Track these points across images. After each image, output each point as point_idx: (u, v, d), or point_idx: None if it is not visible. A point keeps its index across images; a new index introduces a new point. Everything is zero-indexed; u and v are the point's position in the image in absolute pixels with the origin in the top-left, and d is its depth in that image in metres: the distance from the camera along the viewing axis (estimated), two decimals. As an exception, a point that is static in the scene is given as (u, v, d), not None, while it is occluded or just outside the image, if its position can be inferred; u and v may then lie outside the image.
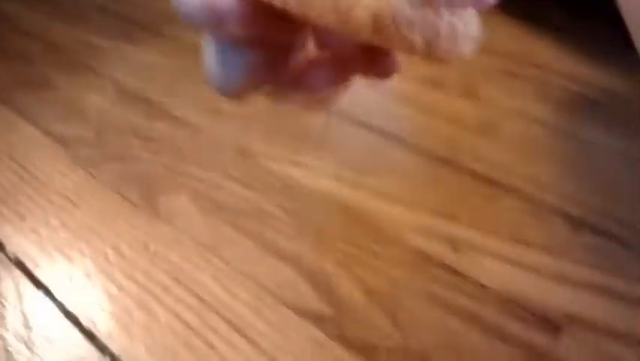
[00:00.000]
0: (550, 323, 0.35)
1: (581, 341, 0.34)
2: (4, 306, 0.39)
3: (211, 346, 0.36)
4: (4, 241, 0.44)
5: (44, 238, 0.44)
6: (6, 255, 0.43)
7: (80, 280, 0.41)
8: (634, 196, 0.42)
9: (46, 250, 0.43)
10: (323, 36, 0.24)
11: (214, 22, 0.20)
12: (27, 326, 0.38)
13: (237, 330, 0.36)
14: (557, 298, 0.36)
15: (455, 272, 0.39)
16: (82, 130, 0.54)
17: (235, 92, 0.22)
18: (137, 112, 0.56)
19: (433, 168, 0.47)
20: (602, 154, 0.46)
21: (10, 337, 0.38)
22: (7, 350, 0.37)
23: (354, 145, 0.50)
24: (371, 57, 0.23)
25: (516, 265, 0.39)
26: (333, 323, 0.36)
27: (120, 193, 0.47)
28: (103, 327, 0.38)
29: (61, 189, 0.48)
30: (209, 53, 0.22)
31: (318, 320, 0.36)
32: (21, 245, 0.44)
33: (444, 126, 0.51)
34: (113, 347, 0.37)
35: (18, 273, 0.42)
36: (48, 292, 0.40)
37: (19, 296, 0.40)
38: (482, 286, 0.38)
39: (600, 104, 0.52)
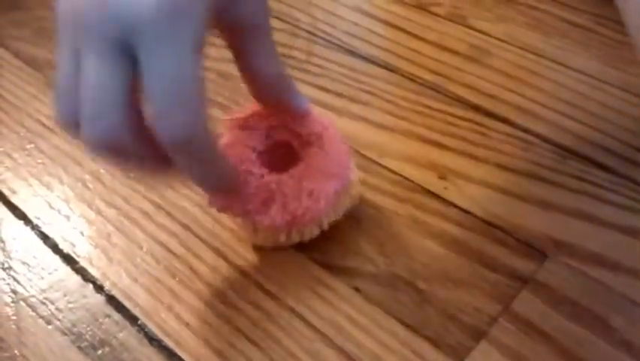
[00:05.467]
0: (536, 250, 0.35)
1: (567, 267, 0.34)
2: (-20, 232, 0.39)
3: (195, 272, 0.35)
4: (-22, 167, 0.43)
5: (20, 163, 0.43)
6: (-20, 180, 0.42)
7: (58, 206, 0.40)
8: (624, 126, 0.42)
9: (23, 176, 0.42)
10: None
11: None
12: (5, 251, 0.38)
13: (222, 256, 0.36)
14: (543, 224, 0.36)
15: (441, 200, 0.38)
16: (54, 53, 0.52)
17: None
18: (113, 35, 0.53)
19: (420, 95, 0.46)
20: (592, 83, 0.46)
21: (-13, 262, 0.37)
22: (-16, 276, 0.36)
23: (337, 71, 0.48)
24: None
25: (503, 192, 0.38)
26: (318, 249, 0.36)
27: (98, 119, 0.46)
28: (82, 252, 0.37)
29: (35, 114, 0.46)
30: None
31: (301, 244, 0.36)
32: (-5, 170, 0.42)
33: (431, 52, 0.50)
34: (93, 272, 0.36)
35: (-7, 199, 0.41)
36: (25, 218, 0.39)
37: (-4, 222, 0.39)
38: (468, 213, 0.37)
39: (592, 31, 0.50)
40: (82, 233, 0.38)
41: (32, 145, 0.44)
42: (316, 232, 0.35)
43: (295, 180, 0.33)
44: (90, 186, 0.41)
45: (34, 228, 0.39)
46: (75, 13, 0.26)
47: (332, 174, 0.33)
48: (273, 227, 0.33)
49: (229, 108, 0.45)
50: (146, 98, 0.26)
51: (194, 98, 0.26)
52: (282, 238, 0.35)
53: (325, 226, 0.35)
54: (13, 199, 0.41)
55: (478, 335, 0.32)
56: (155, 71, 0.25)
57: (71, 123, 0.27)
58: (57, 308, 0.35)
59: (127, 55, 0.26)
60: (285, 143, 0.36)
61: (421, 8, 0.54)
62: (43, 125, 0.45)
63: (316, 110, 0.36)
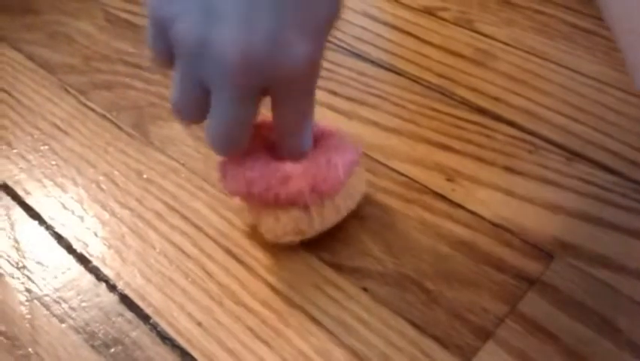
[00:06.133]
0: (543, 252, 0.36)
1: (573, 269, 0.35)
2: (-5, 232, 0.39)
3: (207, 272, 0.36)
4: (-7, 168, 0.43)
5: (34, 165, 0.43)
6: (-5, 181, 0.42)
7: (73, 207, 0.40)
8: (629, 129, 0.42)
9: (37, 177, 0.43)
10: None
11: None
12: (19, 251, 0.38)
13: (233, 257, 0.37)
14: (551, 227, 0.37)
15: (448, 201, 0.39)
16: (68, 56, 0.53)
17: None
18: (126, 39, 0.54)
19: (427, 98, 0.46)
20: (597, 86, 0.46)
21: (2, 261, 0.37)
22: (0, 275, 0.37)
23: (346, 75, 0.49)
24: None
25: (509, 194, 0.39)
26: (327, 249, 0.36)
27: (111, 121, 0.46)
28: (96, 252, 0.38)
29: (49, 116, 0.47)
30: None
31: (312, 246, 0.36)
32: (10, 172, 0.43)
33: (438, 56, 0.50)
34: (107, 272, 0.37)
35: (8, 199, 0.41)
36: (40, 219, 0.40)
37: (11, 223, 0.40)
38: (475, 214, 0.38)
39: (597, 35, 0.51)
40: (95, 234, 0.39)
41: (46, 147, 0.45)
42: (335, 218, 0.36)
43: (312, 156, 0.35)
44: (104, 187, 0.42)
45: (49, 228, 0.39)
46: (205, 50, 0.28)
47: (345, 148, 0.36)
48: (297, 195, 0.34)
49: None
50: (276, 125, 0.34)
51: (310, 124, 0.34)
52: (304, 223, 0.35)
53: (344, 213, 0.36)
54: (28, 200, 0.41)
55: (485, 335, 0.32)
56: (288, 112, 0.33)
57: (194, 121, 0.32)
58: (70, 307, 0.35)
59: (259, 93, 0.30)
60: None
61: (428, 13, 0.55)
62: (57, 127, 0.46)
63: (318, 118, 0.37)
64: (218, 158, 0.36)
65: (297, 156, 0.35)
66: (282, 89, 0.31)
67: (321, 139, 0.36)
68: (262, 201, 0.35)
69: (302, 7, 0.28)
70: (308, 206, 0.35)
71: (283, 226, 0.35)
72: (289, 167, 0.34)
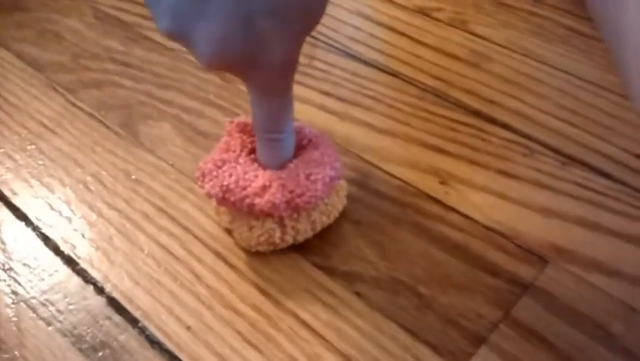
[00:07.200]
0: (537, 256, 0.35)
1: (567, 274, 0.34)
2: (-20, 233, 0.39)
3: (196, 275, 0.35)
4: (-21, 167, 0.42)
5: (21, 165, 0.43)
6: (-19, 181, 0.42)
7: (60, 208, 0.40)
8: (625, 133, 0.42)
9: (24, 177, 0.42)
10: None
11: None
12: (5, 252, 0.38)
13: (223, 259, 0.36)
14: (545, 231, 0.37)
15: (442, 205, 0.38)
16: (57, 54, 0.52)
17: None
18: (115, 36, 0.53)
19: (421, 100, 0.46)
20: (594, 90, 0.46)
21: (-12, 263, 0.37)
22: (-15, 277, 0.36)
23: (339, 75, 0.49)
24: None
25: (504, 198, 0.39)
26: (319, 253, 0.36)
27: (100, 121, 0.46)
28: (84, 254, 0.37)
29: (37, 115, 0.46)
30: None
31: (304, 249, 0.36)
32: (-3, 171, 0.42)
33: (433, 57, 0.50)
34: (94, 274, 0.36)
35: (-6, 199, 0.41)
36: (27, 220, 0.39)
37: (-3, 223, 0.39)
38: (469, 218, 0.38)
39: (594, 39, 0.51)
40: (83, 235, 0.38)
41: (33, 146, 0.44)
42: (309, 232, 0.35)
43: (292, 168, 0.34)
44: (91, 187, 0.41)
45: (35, 229, 0.39)
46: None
47: (326, 163, 0.35)
48: (272, 208, 0.33)
49: (229, 111, 0.45)
50: (254, 126, 0.35)
51: None
52: (277, 235, 0.35)
53: (318, 228, 0.36)
54: (14, 200, 0.41)
55: (479, 340, 0.32)
56: (263, 109, 0.34)
57: None
58: (57, 310, 0.35)
59: None
60: None
61: (423, 13, 0.55)
62: (45, 126, 0.45)
63: (311, 119, 0.36)
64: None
65: (275, 162, 0.35)
66: (256, 83, 0.31)
67: (307, 147, 0.36)
68: (237, 209, 0.34)
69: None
70: (283, 219, 0.34)
71: (256, 236, 0.35)
72: (267, 178, 0.34)
